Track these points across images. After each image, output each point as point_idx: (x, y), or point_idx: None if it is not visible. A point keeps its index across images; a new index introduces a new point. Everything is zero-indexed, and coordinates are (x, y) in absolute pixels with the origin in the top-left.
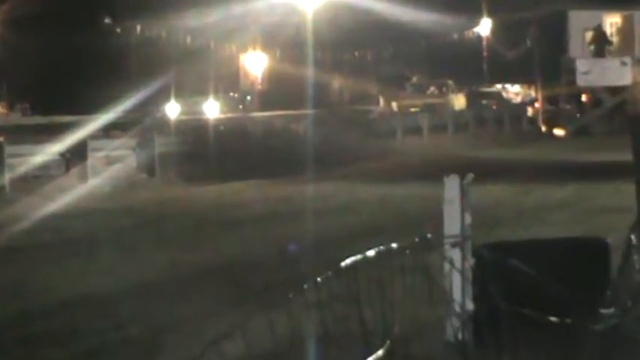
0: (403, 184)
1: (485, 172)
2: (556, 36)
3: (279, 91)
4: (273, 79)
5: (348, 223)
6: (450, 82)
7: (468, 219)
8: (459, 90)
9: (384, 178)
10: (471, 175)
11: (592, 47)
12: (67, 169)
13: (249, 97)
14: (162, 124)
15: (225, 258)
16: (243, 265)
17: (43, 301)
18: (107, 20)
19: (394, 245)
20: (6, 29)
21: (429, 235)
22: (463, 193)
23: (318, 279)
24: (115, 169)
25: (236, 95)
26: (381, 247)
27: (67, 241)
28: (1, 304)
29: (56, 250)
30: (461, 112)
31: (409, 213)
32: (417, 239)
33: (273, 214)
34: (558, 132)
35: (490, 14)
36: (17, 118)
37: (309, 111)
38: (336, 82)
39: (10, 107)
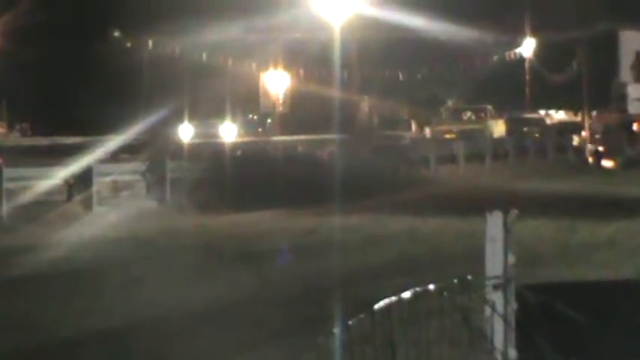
0: (436, 217)
1: (526, 205)
2: (606, 59)
3: (303, 113)
4: (296, 100)
5: (376, 259)
6: (489, 107)
7: (512, 259)
8: (499, 116)
9: (416, 211)
10: (515, 212)
11: (634, 72)
12: (71, 195)
13: (269, 120)
14: (175, 147)
15: (243, 294)
16: (263, 302)
17: (43, 338)
18: (116, 34)
19: (431, 286)
20: (6, 41)
21: (469, 276)
22: (507, 230)
23: (350, 322)
24: (123, 196)
25: (255, 117)
26: (417, 289)
27: (70, 274)
28: None
29: (58, 283)
30: (500, 139)
31: (442, 249)
32: (455, 280)
33: (294, 248)
34: (606, 163)
35: (534, 34)
36: (17, 138)
37: (335, 136)
38: (365, 105)
39: (10, 127)
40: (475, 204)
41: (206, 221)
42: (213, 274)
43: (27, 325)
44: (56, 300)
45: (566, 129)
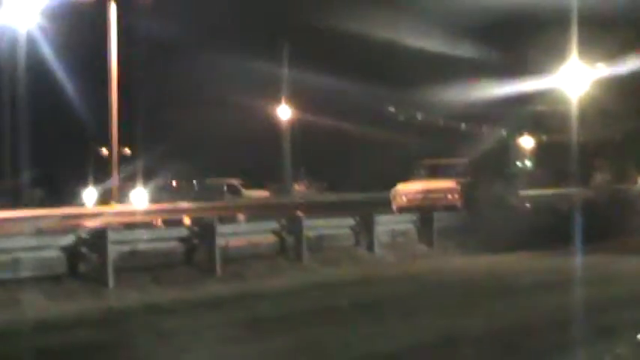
0: None
1: None
2: None
3: (547, 170)
4: (540, 160)
5: (612, 293)
6: None
7: None
8: None
9: None
10: None
11: None
12: (357, 240)
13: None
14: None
15: (498, 323)
16: (516, 329)
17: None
18: (391, 109)
19: None
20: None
21: None
22: None
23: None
24: (398, 241)
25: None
26: None
27: (356, 306)
28: None
29: (347, 313)
30: None
31: None
32: None
33: (541, 284)
34: None
35: None
36: (313, 194)
37: (574, 189)
38: (600, 165)
39: (309, 185)
40: None
41: (467, 262)
42: (473, 306)
43: (324, 348)
44: (347, 326)
45: None
